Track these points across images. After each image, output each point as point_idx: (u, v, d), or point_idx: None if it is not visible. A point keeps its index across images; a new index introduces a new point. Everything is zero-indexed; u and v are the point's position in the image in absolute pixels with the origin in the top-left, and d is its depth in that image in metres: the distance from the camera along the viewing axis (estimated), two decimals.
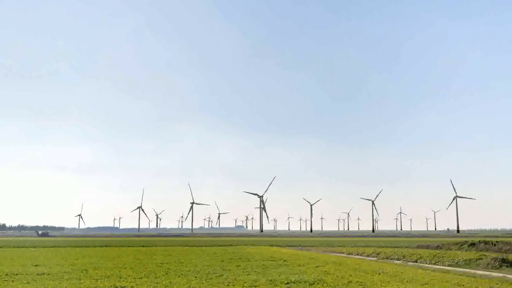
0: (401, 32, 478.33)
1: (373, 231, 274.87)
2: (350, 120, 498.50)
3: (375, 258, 37.33)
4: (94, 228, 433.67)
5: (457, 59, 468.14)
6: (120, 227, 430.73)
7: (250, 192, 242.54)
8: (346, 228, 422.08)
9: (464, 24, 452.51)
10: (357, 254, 41.65)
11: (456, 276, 22.14)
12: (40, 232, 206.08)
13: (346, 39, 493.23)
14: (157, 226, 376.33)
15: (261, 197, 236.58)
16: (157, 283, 18.65)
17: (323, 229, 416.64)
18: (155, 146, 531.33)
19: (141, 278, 20.51)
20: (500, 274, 24.33)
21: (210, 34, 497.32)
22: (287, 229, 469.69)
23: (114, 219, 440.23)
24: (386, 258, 36.87)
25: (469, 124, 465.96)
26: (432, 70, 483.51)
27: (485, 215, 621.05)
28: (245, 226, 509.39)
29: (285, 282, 19.03)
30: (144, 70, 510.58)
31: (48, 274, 21.87)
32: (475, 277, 22.37)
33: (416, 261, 33.59)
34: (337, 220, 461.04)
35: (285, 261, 31.08)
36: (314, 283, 18.65)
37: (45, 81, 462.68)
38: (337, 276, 21.14)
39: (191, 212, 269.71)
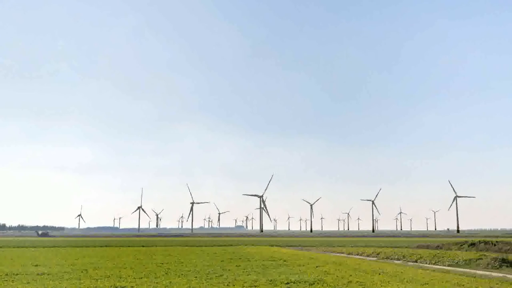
0: (401, 32, 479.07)
1: (373, 231, 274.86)
2: (350, 120, 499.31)
3: (375, 258, 37.33)
4: (94, 228, 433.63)
5: (457, 59, 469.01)
6: (120, 227, 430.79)
7: (250, 194, 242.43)
8: (346, 228, 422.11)
9: (464, 24, 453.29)
10: (357, 254, 41.64)
11: (456, 276, 22.14)
12: (40, 232, 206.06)
13: (346, 39, 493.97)
14: (157, 226, 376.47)
15: (261, 197, 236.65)
16: (157, 283, 18.65)
17: (323, 229, 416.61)
18: (155, 146, 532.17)
19: (141, 278, 20.51)
20: (500, 274, 24.33)
21: (210, 34, 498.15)
22: (287, 229, 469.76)
23: (114, 219, 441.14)
24: (386, 258, 36.86)
25: (469, 124, 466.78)
26: (432, 70, 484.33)
27: (485, 215, 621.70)
28: (245, 226, 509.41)
29: (285, 282, 19.03)
30: (144, 70, 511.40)
31: (48, 274, 21.87)
32: (475, 277, 22.36)
33: (416, 261, 33.59)
34: (337, 220, 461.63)
35: (285, 261, 31.07)
36: (314, 283, 18.65)
37: (45, 81, 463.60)
38: (337, 276, 21.14)
39: (191, 212, 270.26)
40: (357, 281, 19.26)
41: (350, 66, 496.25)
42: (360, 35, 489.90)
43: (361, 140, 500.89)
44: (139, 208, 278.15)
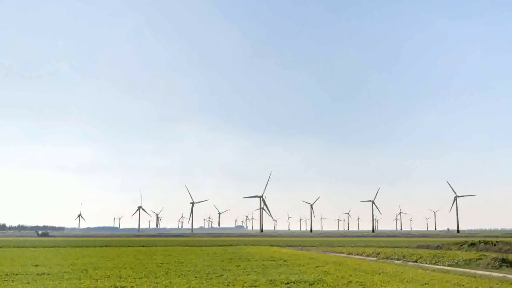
0: (401, 32, 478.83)
1: (373, 231, 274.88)
2: (350, 120, 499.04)
3: (375, 258, 37.33)
4: (94, 228, 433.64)
5: (457, 59, 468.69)
6: (120, 227, 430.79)
7: (250, 196, 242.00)
8: (346, 228, 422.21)
9: (464, 24, 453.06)
10: (357, 254, 41.65)
11: (456, 276, 22.14)
12: (40, 232, 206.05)
13: (346, 39, 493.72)
14: (157, 226, 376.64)
15: (261, 197, 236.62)
16: (157, 283, 18.65)
17: (323, 229, 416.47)
18: (155, 146, 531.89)
19: (141, 278, 20.52)
20: (500, 274, 24.33)
21: (210, 34, 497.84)
22: (287, 229, 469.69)
23: (114, 219, 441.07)
24: (386, 258, 36.87)
25: (469, 124, 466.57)
26: (432, 70, 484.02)
27: (485, 215, 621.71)
28: (245, 226, 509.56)
29: (285, 282, 19.03)
30: (144, 70, 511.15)
31: (48, 274, 21.87)
32: (475, 277, 22.37)
33: (416, 261, 33.60)
34: (337, 220, 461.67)
35: (285, 261, 31.08)
36: (314, 283, 18.65)
37: (45, 81, 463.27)
38: (337, 276, 21.14)
39: (191, 212, 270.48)
40: (357, 281, 19.27)
41: (350, 66, 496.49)
42: (360, 35, 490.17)
43: (361, 140, 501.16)
44: (139, 208, 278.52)
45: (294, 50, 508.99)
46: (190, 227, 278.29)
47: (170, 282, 18.99)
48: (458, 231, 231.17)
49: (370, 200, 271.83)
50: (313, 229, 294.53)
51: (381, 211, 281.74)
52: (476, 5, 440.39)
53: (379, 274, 22.59)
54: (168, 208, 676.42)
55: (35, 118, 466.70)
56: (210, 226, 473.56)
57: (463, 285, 18.46)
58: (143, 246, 57.92)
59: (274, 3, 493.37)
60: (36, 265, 27.17)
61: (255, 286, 17.93)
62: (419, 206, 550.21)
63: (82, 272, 23.17)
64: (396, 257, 36.84)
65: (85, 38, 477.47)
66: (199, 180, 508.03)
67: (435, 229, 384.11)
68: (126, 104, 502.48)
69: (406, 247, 52.48)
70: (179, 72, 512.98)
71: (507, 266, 29.01)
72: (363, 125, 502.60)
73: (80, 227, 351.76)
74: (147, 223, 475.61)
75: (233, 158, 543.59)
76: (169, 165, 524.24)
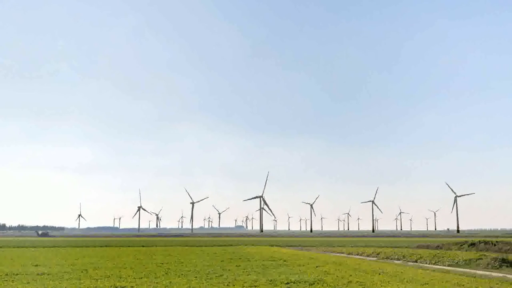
0: (401, 32, 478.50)
1: (373, 231, 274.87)
2: (350, 120, 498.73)
3: (375, 258, 37.33)
4: (94, 228, 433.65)
5: (457, 59, 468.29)
6: (120, 227, 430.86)
7: (250, 198, 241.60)
8: (346, 228, 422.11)
9: (464, 24, 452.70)
10: (357, 254, 41.65)
11: (456, 276, 22.14)
12: (40, 232, 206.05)
13: (346, 39, 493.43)
14: (157, 226, 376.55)
15: (261, 197, 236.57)
16: (157, 283, 18.66)
17: (323, 229, 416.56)
18: (155, 146, 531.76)
19: (141, 278, 20.52)
20: (500, 274, 24.33)
21: (210, 34, 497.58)
22: (287, 229, 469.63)
23: (114, 219, 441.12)
24: (386, 258, 36.87)
25: (469, 124, 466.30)
26: (432, 70, 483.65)
27: (485, 215, 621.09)
28: (245, 226, 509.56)
29: (285, 282, 19.03)
30: (144, 70, 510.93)
31: (48, 274, 21.88)
32: (475, 277, 22.37)
33: (416, 261, 33.60)
34: (337, 220, 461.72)
35: (285, 261, 31.08)
36: (314, 283, 18.65)
37: (45, 81, 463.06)
38: (337, 276, 21.14)
39: (192, 212, 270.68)
40: (357, 281, 19.27)
41: (350, 66, 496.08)
42: (360, 35, 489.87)
43: (361, 140, 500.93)
44: (139, 208, 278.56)
45: (294, 50, 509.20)
46: (190, 227, 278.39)
47: (170, 282, 18.99)
48: (458, 231, 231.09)
49: (370, 201, 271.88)
50: (313, 229, 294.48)
51: (381, 211, 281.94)
52: (476, 5, 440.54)
53: (379, 274, 22.59)
54: (168, 208, 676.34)
55: (35, 118, 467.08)
56: (210, 226, 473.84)
57: (463, 285, 18.47)
58: (143, 246, 57.91)
59: (274, 3, 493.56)
60: (36, 265, 27.17)
61: (255, 286, 17.93)
62: (419, 206, 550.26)
63: (82, 272, 23.17)
64: (396, 257, 36.85)
65: (85, 38, 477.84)
66: (199, 180, 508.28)
67: (435, 229, 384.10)
68: (126, 104, 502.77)
69: (406, 247, 52.48)
70: (179, 72, 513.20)
71: (507, 266, 29.02)
72: (363, 125, 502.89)
73: (80, 227, 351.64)
74: (147, 223, 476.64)
75: (233, 158, 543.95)
76: (169, 165, 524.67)
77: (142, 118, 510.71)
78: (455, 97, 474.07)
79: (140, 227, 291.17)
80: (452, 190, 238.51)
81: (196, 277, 20.89)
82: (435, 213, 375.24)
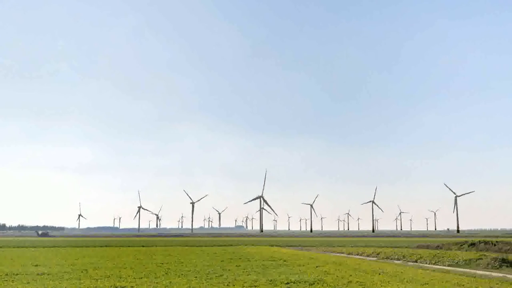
0: (401, 32, 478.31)
1: (373, 231, 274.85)
2: (350, 120, 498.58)
3: (375, 258, 37.33)
4: (94, 228, 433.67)
5: (457, 59, 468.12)
6: (120, 227, 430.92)
7: (251, 199, 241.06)
8: (346, 228, 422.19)
9: (464, 24, 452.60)
10: (357, 254, 41.65)
11: (456, 276, 22.14)
12: (40, 232, 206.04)
13: (346, 39, 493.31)
14: (157, 226, 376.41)
15: (261, 197, 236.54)
16: (157, 283, 18.66)
17: (323, 229, 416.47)
18: (155, 146, 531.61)
19: (141, 278, 20.52)
20: (500, 274, 24.33)
21: (210, 34, 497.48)
22: (287, 229, 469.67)
23: (114, 219, 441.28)
24: (386, 258, 36.87)
25: (469, 124, 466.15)
26: (432, 70, 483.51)
27: (485, 215, 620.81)
28: (245, 226, 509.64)
29: (285, 282, 19.03)
30: (144, 70, 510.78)
31: (48, 274, 21.88)
32: (475, 277, 22.37)
33: (416, 261, 33.60)
34: (337, 220, 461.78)
35: (285, 261, 31.08)
36: (314, 283, 18.65)
37: (45, 81, 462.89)
38: (337, 276, 21.14)
39: (192, 212, 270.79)
40: (357, 281, 19.27)
41: (350, 66, 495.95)
42: (360, 35, 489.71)
43: (361, 140, 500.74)
44: (139, 208, 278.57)
45: (294, 50, 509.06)
46: (190, 227, 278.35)
47: (170, 282, 18.99)
48: (458, 231, 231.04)
49: (370, 201, 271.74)
50: (313, 229, 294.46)
51: (381, 211, 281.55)
52: (476, 5, 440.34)
53: (379, 274, 22.59)
54: (168, 208, 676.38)
55: (35, 118, 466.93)
56: (210, 226, 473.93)
57: (463, 285, 18.46)
58: (143, 246, 57.92)
59: (274, 3, 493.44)
60: (36, 265, 27.17)
61: (255, 286, 17.93)
62: (419, 206, 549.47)
63: (82, 272, 23.17)
64: (396, 257, 36.84)
65: (85, 38, 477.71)
66: (199, 180, 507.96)
67: (435, 229, 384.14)
68: (126, 104, 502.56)
69: (406, 247, 52.48)
70: (179, 72, 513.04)
71: (507, 266, 29.02)
72: (363, 125, 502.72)
73: (80, 227, 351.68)
74: (147, 223, 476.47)
75: (233, 158, 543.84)
76: (169, 165, 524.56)
77: (142, 118, 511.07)
78: (455, 97, 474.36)
79: (140, 227, 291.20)
80: (451, 190, 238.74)
81: (196, 277, 20.90)
82: (435, 213, 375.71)
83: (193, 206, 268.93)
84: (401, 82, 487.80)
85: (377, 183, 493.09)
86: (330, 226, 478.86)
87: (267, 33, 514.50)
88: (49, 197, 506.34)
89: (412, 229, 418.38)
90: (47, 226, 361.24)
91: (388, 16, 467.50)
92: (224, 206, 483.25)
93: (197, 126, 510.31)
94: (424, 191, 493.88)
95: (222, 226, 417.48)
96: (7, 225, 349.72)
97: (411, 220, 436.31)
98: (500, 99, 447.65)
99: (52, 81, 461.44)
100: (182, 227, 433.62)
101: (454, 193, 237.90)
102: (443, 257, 33.81)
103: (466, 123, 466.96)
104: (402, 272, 23.48)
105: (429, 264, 31.85)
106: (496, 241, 46.41)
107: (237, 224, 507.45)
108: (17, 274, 22.01)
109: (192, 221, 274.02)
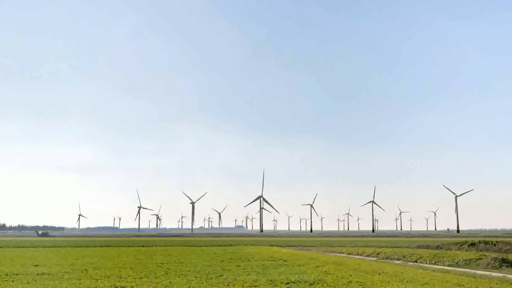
0: (401, 32, 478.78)
1: (373, 231, 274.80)
2: (350, 120, 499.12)
3: (375, 258, 37.33)
4: (94, 228, 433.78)
5: (457, 59, 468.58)
6: (120, 227, 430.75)
7: (251, 201, 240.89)
8: (346, 228, 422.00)
9: (464, 24, 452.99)
10: (357, 254, 41.65)
11: (456, 276, 22.14)
12: (40, 232, 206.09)
13: (346, 39, 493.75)
14: (157, 226, 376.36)
15: (261, 197, 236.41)
16: (157, 283, 18.65)
17: (323, 229, 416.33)
18: (155, 146, 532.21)
19: (141, 278, 20.52)
20: (500, 274, 24.33)
21: (210, 34, 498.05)
22: (287, 229, 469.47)
23: (114, 219, 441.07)
24: (386, 258, 36.87)
25: (469, 124, 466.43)
26: (432, 70, 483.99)
27: (485, 215, 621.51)
28: (245, 226, 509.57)
29: (285, 282, 19.03)
30: (144, 70, 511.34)
31: (48, 274, 21.87)
32: (475, 277, 22.36)
33: (416, 261, 33.59)
34: (337, 220, 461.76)
35: (285, 261, 31.07)
36: (314, 283, 18.65)
37: (45, 81, 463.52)
38: (337, 276, 21.14)
39: (193, 212, 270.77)
40: (357, 281, 19.26)
41: (350, 66, 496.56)
42: (360, 35, 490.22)
43: (361, 140, 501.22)
44: (139, 208, 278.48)
45: (294, 50, 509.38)
46: (190, 227, 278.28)
47: (170, 282, 18.99)
48: (458, 231, 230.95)
49: (370, 201, 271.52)
50: (313, 229, 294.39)
51: (381, 211, 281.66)
52: (476, 5, 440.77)
53: (379, 274, 22.59)
54: (168, 208, 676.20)
55: (35, 118, 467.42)
56: (210, 226, 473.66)
57: (463, 285, 18.46)
58: (143, 246, 57.91)
59: (274, 3, 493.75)
60: (36, 265, 27.17)
61: (255, 286, 17.93)
62: (419, 206, 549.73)
63: (82, 272, 23.17)
64: (396, 257, 36.84)
65: (85, 38, 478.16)
66: (199, 180, 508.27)
67: (435, 229, 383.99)
68: (126, 104, 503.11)
69: (406, 247, 52.48)
70: (179, 72, 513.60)
71: (507, 266, 29.01)
72: (363, 125, 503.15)
73: (80, 227, 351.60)
74: (147, 223, 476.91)
75: (233, 158, 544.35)
76: (169, 165, 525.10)
77: (142, 118, 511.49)
78: (455, 97, 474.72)
79: (140, 227, 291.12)
80: (451, 191, 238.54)
81: (196, 277, 20.89)
82: (435, 213, 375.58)
83: (193, 206, 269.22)
84: (401, 82, 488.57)
85: (377, 183, 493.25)
86: (330, 226, 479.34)
87: (267, 33, 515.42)
88: (49, 197, 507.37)
89: (412, 229, 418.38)
90: (47, 226, 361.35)
91: (388, 16, 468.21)
92: (224, 206, 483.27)
93: (197, 126, 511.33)
94: (424, 191, 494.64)
95: (222, 226, 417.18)
96: (7, 225, 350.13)
97: (411, 220, 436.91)
98: (500, 99, 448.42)
99: (52, 81, 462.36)
100: (182, 227, 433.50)
101: (454, 194, 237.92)
102: (443, 257, 33.81)
103: (466, 123, 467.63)
104: (402, 272, 23.48)
105: (429, 264, 31.85)
106: (496, 241, 46.41)
107: (237, 224, 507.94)
108: (17, 274, 22.01)
109: (192, 221, 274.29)
